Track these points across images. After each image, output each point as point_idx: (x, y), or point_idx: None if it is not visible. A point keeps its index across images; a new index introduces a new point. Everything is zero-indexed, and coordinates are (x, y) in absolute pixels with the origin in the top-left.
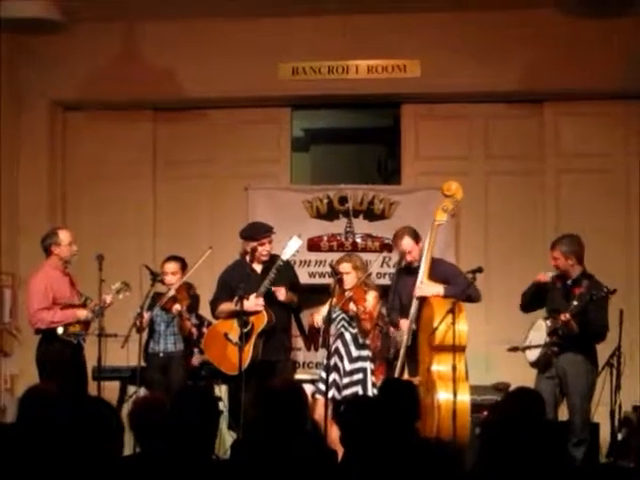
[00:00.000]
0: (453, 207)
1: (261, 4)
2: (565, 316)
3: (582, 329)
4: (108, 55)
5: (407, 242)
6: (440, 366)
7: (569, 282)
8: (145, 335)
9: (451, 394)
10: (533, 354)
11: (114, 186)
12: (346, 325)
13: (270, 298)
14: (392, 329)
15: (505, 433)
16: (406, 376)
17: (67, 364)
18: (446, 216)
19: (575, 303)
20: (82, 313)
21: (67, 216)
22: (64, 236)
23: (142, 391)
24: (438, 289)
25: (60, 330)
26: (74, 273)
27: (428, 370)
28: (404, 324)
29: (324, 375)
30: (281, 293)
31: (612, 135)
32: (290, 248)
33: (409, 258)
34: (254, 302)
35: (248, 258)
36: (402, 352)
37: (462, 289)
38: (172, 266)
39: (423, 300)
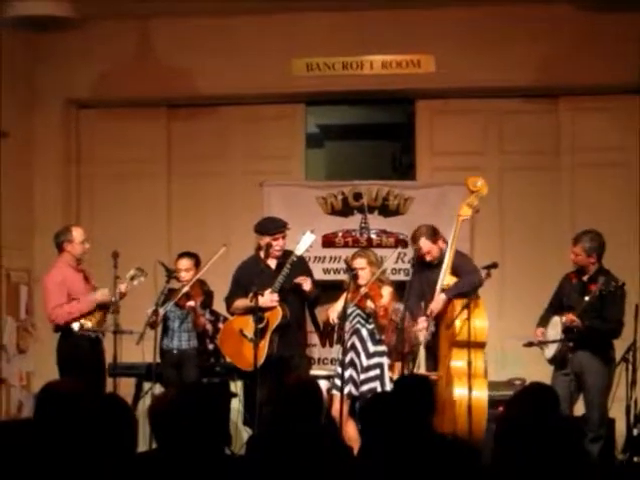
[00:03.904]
0: (478, 203)
1: (275, 0)
2: (570, 318)
3: (597, 325)
4: (122, 53)
5: (424, 243)
6: (458, 362)
7: (585, 278)
8: (159, 331)
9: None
10: (550, 350)
11: (128, 183)
12: (362, 321)
13: (285, 294)
14: (407, 323)
15: (519, 429)
16: (423, 370)
17: (87, 360)
18: (471, 211)
19: (586, 299)
20: (98, 294)
21: (81, 213)
22: (77, 233)
23: (157, 387)
24: (442, 298)
25: (76, 327)
26: (89, 271)
27: (448, 365)
28: (422, 322)
29: (340, 371)
30: (307, 283)
31: (628, 129)
32: (304, 243)
33: (429, 258)
34: (269, 298)
35: (262, 254)
36: (421, 349)
37: (467, 287)
38: (186, 262)
39: None
